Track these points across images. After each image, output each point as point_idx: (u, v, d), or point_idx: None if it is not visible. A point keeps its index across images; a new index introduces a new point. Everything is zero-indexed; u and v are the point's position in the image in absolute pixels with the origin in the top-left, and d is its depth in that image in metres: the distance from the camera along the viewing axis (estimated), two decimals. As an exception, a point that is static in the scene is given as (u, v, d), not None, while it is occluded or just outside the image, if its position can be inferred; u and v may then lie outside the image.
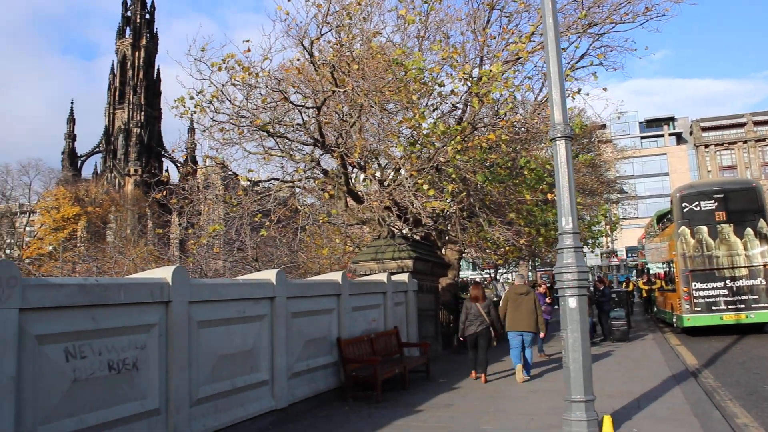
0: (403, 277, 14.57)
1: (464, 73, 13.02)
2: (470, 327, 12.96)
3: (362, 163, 15.73)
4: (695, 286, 19.97)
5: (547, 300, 17.68)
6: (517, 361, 12.58)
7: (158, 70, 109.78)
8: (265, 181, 16.48)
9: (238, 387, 8.32)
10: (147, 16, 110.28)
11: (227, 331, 8.30)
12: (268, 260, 21.36)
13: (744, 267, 19.82)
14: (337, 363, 11.01)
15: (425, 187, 12.50)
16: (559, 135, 8.09)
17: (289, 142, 16.11)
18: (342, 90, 13.40)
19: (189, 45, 14.60)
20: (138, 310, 6.87)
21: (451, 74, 13.64)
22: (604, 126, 37.03)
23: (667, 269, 24.74)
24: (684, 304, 20.04)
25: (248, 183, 16.39)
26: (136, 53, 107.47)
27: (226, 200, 16.63)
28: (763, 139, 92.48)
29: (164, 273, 7.34)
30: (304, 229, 17.42)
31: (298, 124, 15.57)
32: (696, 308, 19.79)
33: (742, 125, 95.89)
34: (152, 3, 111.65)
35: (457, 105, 17.14)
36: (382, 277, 13.55)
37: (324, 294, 10.97)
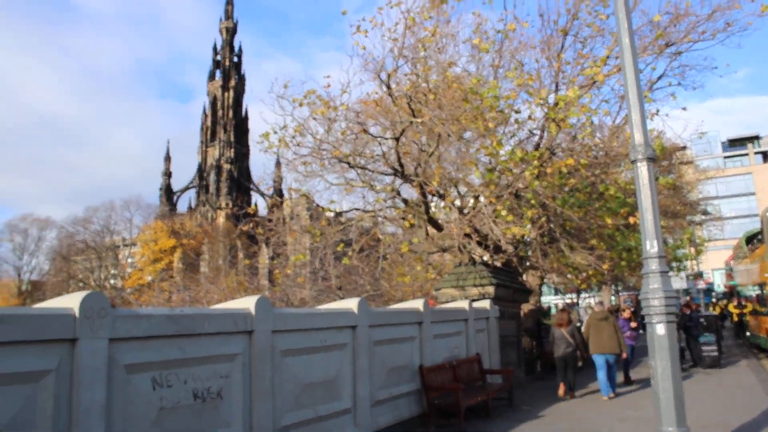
0: (485, 303, 14.49)
1: (541, 99, 12.97)
2: (557, 350, 14.21)
3: (441, 192, 15.82)
4: (793, 309, 18.99)
5: (632, 325, 17.15)
6: (602, 381, 13.63)
7: (246, 109, 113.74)
8: (348, 211, 16.80)
9: (321, 415, 8.45)
10: (235, 59, 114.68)
11: (310, 360, 8.48)
12: (351, 289, 21.68)
13: None
14: (419, 390, 11.01)
15: (504, 213, 12.45)
16: (640, 156, 7.95)
17: (370, 173, 16.41)
18: (419, 120, 13.58)
19: (272, 83, 15.16)
20: (222, 340, 7.12)
21: (528, 100, 13.62)
22: (684, 147, 35.71)
23: (760, 292, 23.62)
24: (778, 328, 19.05)
25: (331, 213, 16.75)
26: (226, 94, 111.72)
27: (309, 231, 17.00)
28: None
29: (248, 303, 7.58)
30: (385, 258, 17.62)
31: (377, 155, 15.87)
32: None
33: None
34: (240, 47, 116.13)
35: (534, 131, 17.05)
36: (464, 304, 13.52)
37: (406, 322, 11.04)
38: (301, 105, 15.08)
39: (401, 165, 15.17)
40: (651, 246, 7.84)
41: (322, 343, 8.71)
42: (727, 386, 14.84)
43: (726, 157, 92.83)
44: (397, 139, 14.34)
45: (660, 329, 7.73)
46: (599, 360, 13.64)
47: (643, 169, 7.99)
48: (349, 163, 15.34)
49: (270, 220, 18.61)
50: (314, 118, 15.05)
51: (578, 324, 24.24)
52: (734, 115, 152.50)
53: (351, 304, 9.54)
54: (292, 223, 20.41)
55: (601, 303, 18.24)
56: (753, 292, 25.37)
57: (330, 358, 8.88)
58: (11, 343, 5.12)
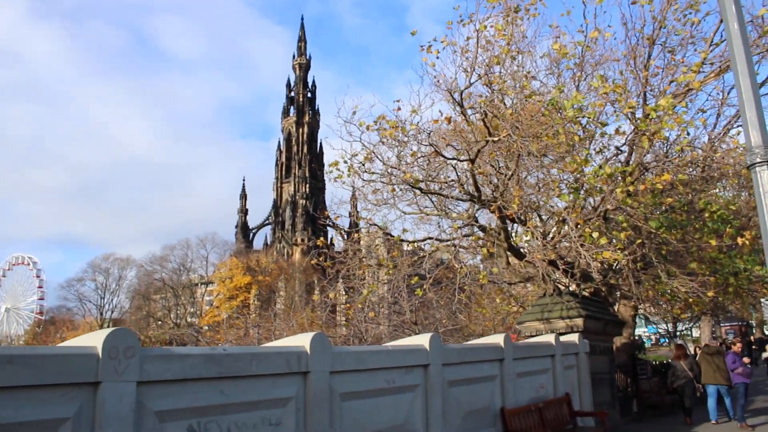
0: (573, 337, 13.12)
1: (630, 108, 11.71)
2: (678, 381, 16.46)
3: (522, 216, 14.61)
4: None
5: (745, 360, 15.37)
6: (712, 407, 15.21)
7: (321, 143, 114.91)
8: (422, 240, 15.76)
9: (388, 468, 7.40)
10: (309, 94, 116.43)
11: (375, 404, 7.45)
12: (428, 323, 20.56)
13: None
14: (502, 436, 9.80)
15: (595, 235, 11.11)
16: (758, 160, 6.65)
17: (444, 200, 15.41)
18: (495, 139, 12.50)
19: (338, 108, 14.39)
20: (272, 382, 6.23)
21: (615, 110, 12.35)
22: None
23: None
24: None
25: (404, 243, 15.80)
26: (300, 130, 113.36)
27: (381, 262, 16.06)
28: None
29: (302, 341, 6.67)
30: (462, 290, 16.46)
31: (452, 180, 14.84)
32: None
33: None
34: (313, 82, 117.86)
35: (622, 149, 15.67)
36: (550, 338, 12.22)
37: (485, 359, 9.88)
38: (368, 129, 14.25)
39: (478, 189, 14.07)
40: (777, 266, 6.52)
41: (388, 384, 7.69)
42: None
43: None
44: (472, 161, 13.27)
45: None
46: (710, 389, 15.31)
47: (763, 174, 6.67)
48: (421, 189, 14.34)
49: (339, 253, 17.78)
50: (382, 142, 14.19)
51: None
52: None
53: (422, 340, 8.49)
54: (366, 255, 19.53)
55: (714, 338, 17.84)
56: None
57: (398, 401, 7.84)
58: (23, 388, 4.37)
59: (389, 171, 14.07)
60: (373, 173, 14.95)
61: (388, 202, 15.57)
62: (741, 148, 13.52)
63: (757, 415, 16.10)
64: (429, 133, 13.68)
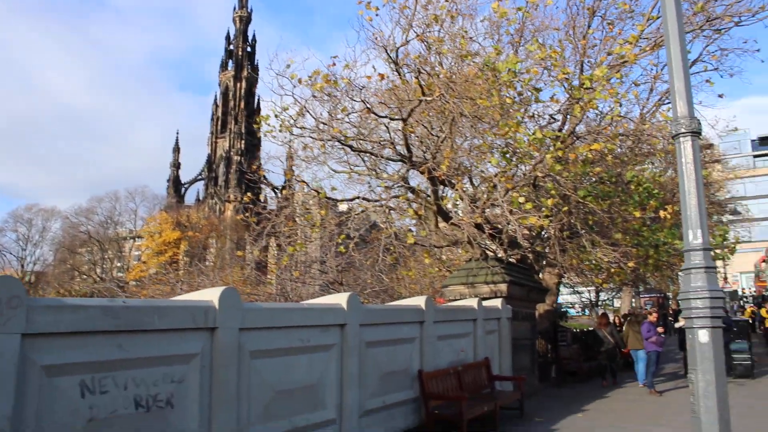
0: (496, 302, 13.15)
1: (565, 74, 11.60)
2: (601, 347, 17.68)
3: (452, 180, 14.46)
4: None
5: (659, 329, 15.77)
6: (641, 371, 15.68)
7: (258, 100, 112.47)
8: (350, 200, 15.49)
9: (298, 427, 7.18)
10: (249, 49, 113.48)
11: (287, 363, 7.21)
12: (354, 284, 20.40)
13: None
14: (418, 399, 9.72)
15: (522, 200, 11.03)
16: (683, 130, 6.59)
17: (376, 160, 15.14)
18: (429, 98, 12.24)
19: (270, 60, 13.79)
20: (176, 338, 5.90)
21: (551, 78, 12.24)
22: (711, 145, 34.17)
23: None
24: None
25: (335, 202, 15.52)
26: (238, 84, 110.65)
27: (307, 220, 15.74)
28: None
29: (211, 295, 6.33)
30: (390, 252, 16.32)
31: (384, 141, 14.57)
32: None
33: None
34: (254, 36, 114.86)
35: (556, 117, 15.67)
36: (473, 302, 12.19)
37: (404, 321, 9.74)
38: (300, 82, 13.80)
39: (409, 150, 13.85)
40: (694, 237, 6.48)
41: (303, 343, 7.44)
42: (764, 399, 13.45)
43: (756, 156, 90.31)
44: (404, 120, 13.00)
45: (703, 336, 6.36)
46: (640, 354, 15.73)
47: (686, 145, 6.63)
48: (351, 147, 14.04)
49: (270, 211, 17.36)
50: (314, 97, 13.77)
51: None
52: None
53: (340, 299, 8.25)
54: (296, 213, 19.13)
55: (641, 307, 18.66)
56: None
57: (313, 360, 7.62)
58: None
59: (320, 127, 13.68)
60: (304, 128, 14.57)
61: (318, 159, 15.25)
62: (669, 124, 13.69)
63: (665, 381, 16.64)
64: (361, 89, 13.32)
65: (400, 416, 9.33)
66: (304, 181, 15.10)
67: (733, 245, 29.78)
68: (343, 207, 16.42)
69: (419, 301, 10.24)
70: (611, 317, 23.72)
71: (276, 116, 14.41)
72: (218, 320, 6.20)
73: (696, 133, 6.62)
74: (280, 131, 14.69)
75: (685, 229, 6.57)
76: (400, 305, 10.41)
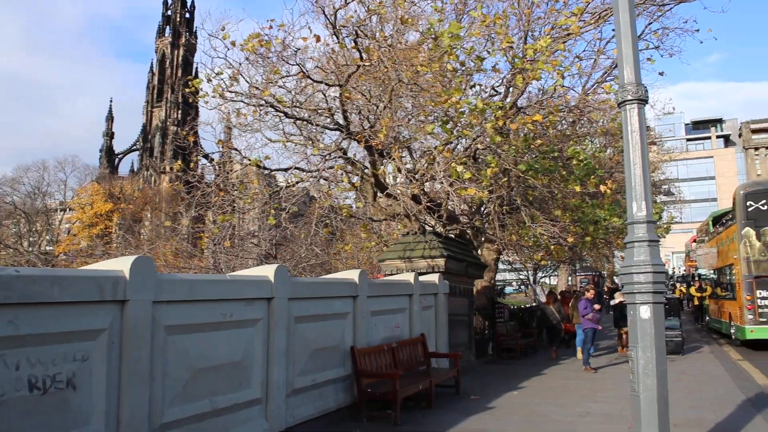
0: (433, 277, 12.82)
1: (508, 42, 11.23)
2: (548, 322, 19.33)
3: (390, 151, 14.00)
4: (760, 294, 18.00)
5: (596, 306, 15.77)
6: (580, 345, 16.20)
7: (197, 68, 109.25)
8: (284, 170, 14.87)
9: (219, 408, 6.68)
10: (187, 15, 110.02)
11: (208, 339, 6.69)
12: (289, 258, 19.86)
13: None
14: (350, 377, 9.33)
15: (460, 169, 10.64)
16: (630, 97, 6.30)
17: (312, 128, 14.55)
18: (367, 63, 11.72)
19: (203, 20, 13.00)
20: (80, 312, 5.30)
21: (494, 44, 11.84)
22: (648, 128, 34.77)
23: (720, 275, 23.07)
24: (747, 313, 18.11)
25: (264, 171, 14.90)
26: (175, 52, 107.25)
27: (240, 190, 15.08)
28: None
29: (121, 265, 5.74)
30: (325, 224, 15.84)
31: (322, 109, 13.99)
32: (761, 319, 17.85)
33: None
34: (192, 2, 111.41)
35: (498, 89, 15.37)
36: (409, 277, 11.82)
37: (336, 295, 9.29)
38: (234, 45, 13.09)
39: (346, 119, 13.33)
40: (638, 209, 6.21)
41: (225, 317, 6.91)
42: (693, 375, 13.55)
43: (689, 140, 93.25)
44: (341, 86, 12.45)
45: (644, 312, 6.13)
46: (579, 331, 16.15)
47: (632, 113, 6.34)
48: (286, 114, 13.42)
49: (202, 180, 16.61)
50: (247, 59, 13.08)
51: (534, 304, 23.19)
52: (705, 101, 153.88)
53: (267, 271, 7.73)
54: (229, 184, 18.37)
55: (588, 284, 19.20)
56: (715, 275, 24.49)
57: (236, 336, 7.10)
58: None
59: (253, 91, 13.00)
60: (239, 94, 13.86)
61: (252, 126, 14.61)
62: (612, 97, 13.56)
63: (600, 357, 16.73)
64: (297, 51, 12.67)
65: (331, 395, 8.92)
66: (235, 149, 14.43)
67: (667, 225, 30.28)
68: (281, 179, 15.82)
69: (352, 274, 9.79)
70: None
71: (209, 81, 13.72)
72: (129, 292, 5.62)
73: (642, 101, 6.36)
74: (213, 97, 14.01)
75: (629, 201, 6.31)
76: (332, 279, 9.97)
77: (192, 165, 17.28)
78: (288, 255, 19.20)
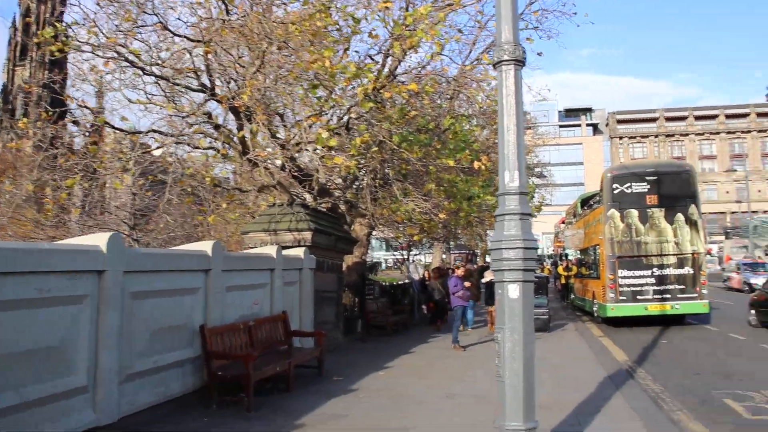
0: (299, 251, 12.06)
1: (385, 3, 10.55)
2: (434, 297, 19.81)
3: (250, 113, 12.97)
4: (621, 273, 18.63)
5: (466, 284, 15.59)
6: (469, 317, 17.86)
7: (65, 26, 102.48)
8: (139, 132, 13.53)
9: (30, 400, 5.65)
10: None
11: (19, 319, 5.64)
12: (151, 230, 18.54)
13: (672, 255, 18.73)
14: (200, 358, 8.46)
15: (325, 135, 9.86)
16: (506, 57, 5.76)
17: (173, 88, 13.34)
18: (233, 18, 10.71)
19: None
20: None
21: (370, 5, 11.15)
22: (525, 112, 35.54)
23: (585, 255, 23.81)
24: (609, 292, 18.69)
25: (120, 133, 13.60)
26: (42, 7, 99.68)
27: (92, 152, 13.68)
28: (672, 135, 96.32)
29: None
30: (189, 193, 14.72)
31: (188, 69, 12.80)
32: (621, 297, 18.50)
33: (654, 120, 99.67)
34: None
35: (376, 58, 14.72)
36: (271, 250, 11.00)
37: (186, 269, 8.37)
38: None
39: (211, 78, 12.27)
40: (511, 179, 5.70)
41: (41, 293, 5.87)
42: (558, 353, 13.63)
43: (561, 126, 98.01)
44: (205, 42, 11.37)
45: (513, 290, 5.64)
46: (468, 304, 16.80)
47: (509, 74, 5.81)
48: (144, 70, 12.18)
49: (53, 145, 15.05)
50: (98, 3, 11.72)
51: (407, 281, 22.99)
52: (575, 91, 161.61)
53: (98, 240, 6.70)
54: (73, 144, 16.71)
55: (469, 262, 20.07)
56: (581, 255, 25.24)
57: (55, 316, 6.08)
58: None
59: (105, 42, 11.65)
60: (90, 45, 12.43)
61: (111, 85, 13.26)
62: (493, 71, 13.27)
63: (468, 335, 16.63)
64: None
65: (177, 379, 8.05)
66: (87, 106, 13.03)
67: (538, 206, 30.98)
68: (154, 147, 14.51)
69: (205, 246, 8.87)
70: (423, 272, 23.86)
71: (62, 32, 12.29)
72: None
73: (519, 62, 5.83)
74: (65, 51, 12.57)
75: (501, 170, 5.79)
76: (180, 250, 9.02)
77: (54, 126, 15.70)
78: (153, 227, 17.86)
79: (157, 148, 13.80)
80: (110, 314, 6.67)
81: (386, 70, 14.24)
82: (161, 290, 7.78)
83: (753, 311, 18.75)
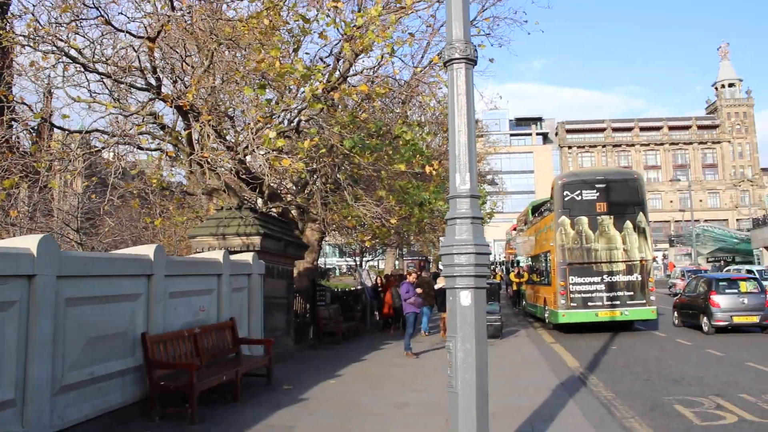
0: (247, 256, 11.72)
1: (334, 2, 10.32)
2: (395, 303, 19.40)
3: (197, 112, 12.58)
4: (572, 280, 18.79)
5: (418, 291, 15.45)
6: (424, 323, 18.10)
7: (10, 12, 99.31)
8: (81, 132, 12.98)
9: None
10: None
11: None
12: (95, 233, 17.93)
13: (621, 262, 19.05)
14: (141, 367, 8.08)
15: (272, 135, 9.55)
16: (457, 55, 5.60)
17: (118, 86, 12.89)
18: (178, 14, 10.35)
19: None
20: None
21: (321, 4, 10.92)
22: (477, 120, 35.85)
23: (536, 262, 23.97)
24: (560, 298, 18.83)
25: (62, 133, 13.09)
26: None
27: (32, 151, 13.14)
28: (619, 145, 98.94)
29: None
30: (138, 197, 14.24)
31: (133, 67, 12.35)
32: (572, 303, 18.66)
33: (602, 130, 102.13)
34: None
35: (326, 60, 14.50)
36: (218, 255, 10.64)
37: (125, 273, 7.98)
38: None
39: (156, 74, 11.86)
40: (462, 181, 5.53)
41: (-40, 300, 5.48)
42: (510, 359, 13.58)
43: (512, 135, 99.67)
44: (150, 39, 10.97)
45: (465, 297, 5.46)
46: (424, 309, 17.42)
47: (460, 73, 5.64)
48: (86, 66, 11.69)
49: (9, 147, 14.42)
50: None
51: (359, 287, 22.81)
52: (526, 101, 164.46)
53: (29, 242, 6.30)
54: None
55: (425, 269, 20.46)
56: (533, 262, 25.37)
57: (-21, 323, 5.68)
58: None
59: (41, 35, 11.13)
60: (31, 38, 11.90)
61: (53, 82, 12.79)
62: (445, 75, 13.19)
63: (421, 342, 16.50)
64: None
65: (116, 390, 7.65)
66: (24, 102, 12.50)
67: (491, 211, 31.11)
68: (97, 144, 14.01)
69: (147, 250, 8.49)
70: (375, 278, 23.66)
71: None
72: None
73: (471, 61, 5.67)
74: (1, 44, 12.04)
75: (452, 173, 5.61)
76: (120, 254, 8.60)
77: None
78: (102, 230, 17.24)
79: (102, 149, 13.31)
80: (41, 322, 6.27)
81: (337, 73, 14.06)
82: (99, 296, 7.39)
83: (675, 313, 20.89)
